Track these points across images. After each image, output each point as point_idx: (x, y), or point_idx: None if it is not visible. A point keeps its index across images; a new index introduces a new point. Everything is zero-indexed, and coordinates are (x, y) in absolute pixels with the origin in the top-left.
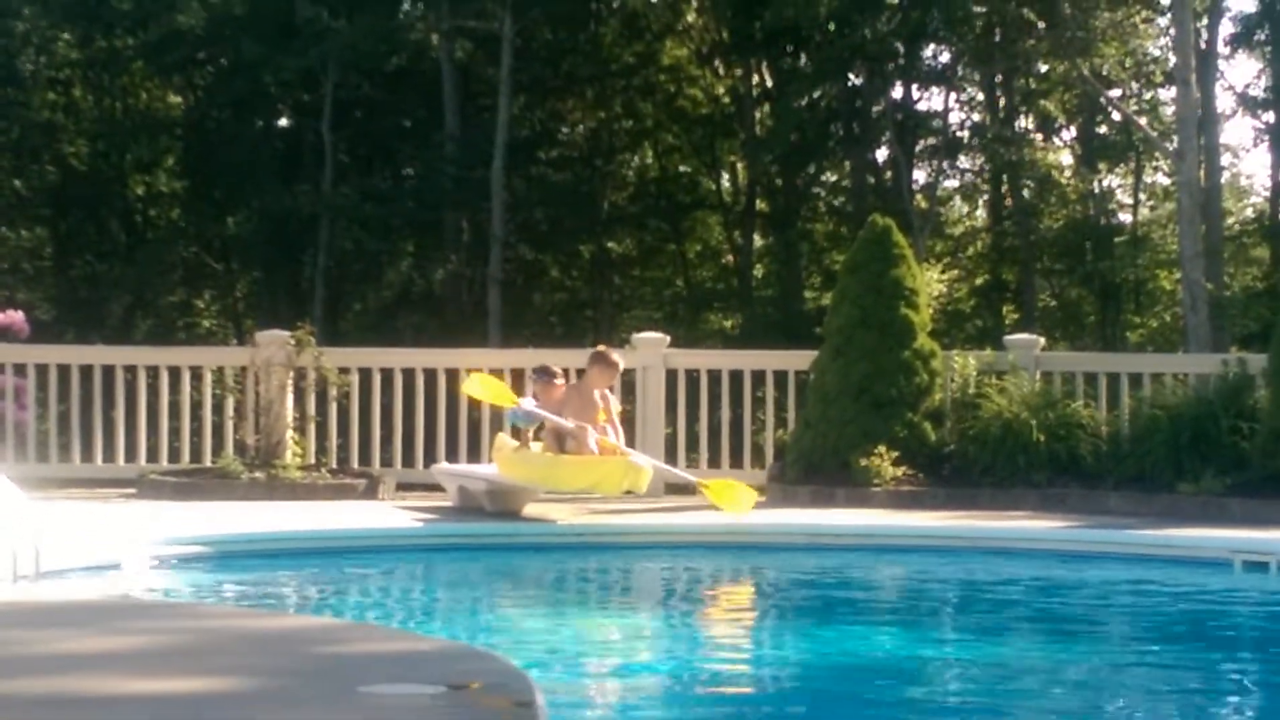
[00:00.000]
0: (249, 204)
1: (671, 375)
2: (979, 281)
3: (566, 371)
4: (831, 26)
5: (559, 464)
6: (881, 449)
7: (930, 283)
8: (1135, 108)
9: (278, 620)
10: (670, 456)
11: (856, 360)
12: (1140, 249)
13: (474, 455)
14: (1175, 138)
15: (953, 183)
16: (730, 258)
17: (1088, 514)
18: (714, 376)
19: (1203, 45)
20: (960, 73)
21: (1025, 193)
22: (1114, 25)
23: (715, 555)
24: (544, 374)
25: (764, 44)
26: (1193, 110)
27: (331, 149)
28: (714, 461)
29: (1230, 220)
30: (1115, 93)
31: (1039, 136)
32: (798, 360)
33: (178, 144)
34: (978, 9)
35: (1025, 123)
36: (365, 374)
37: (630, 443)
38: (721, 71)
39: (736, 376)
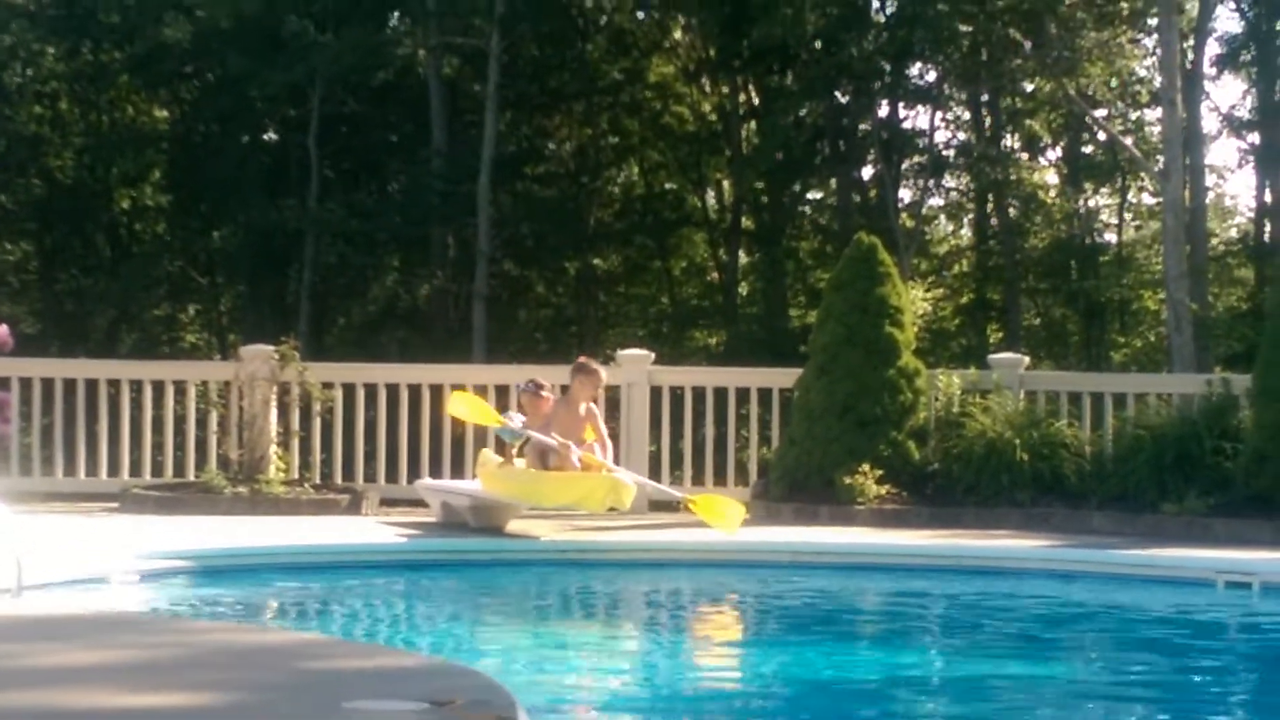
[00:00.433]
0: (234, 218)
1: (656, 392)
2: (964, 300)
3: (552, 387)
4: (818, 45)
5: (543, 480)
6: (865, 467)
7: (915, 301)
8: (1121, 128)
9: (261, 635)
10: (655, 474)
11: (841, 378)
12: (1125, 269)
13: (458, 471)
14: (1160, 158)
15: (938, 201)
16: (715, 275)
17: (1071, 533)
18: (698, 394)
19: (1189, 66)
20: (946, 91)
21: (1010, 212)
22: (1100, 45)
23: (698, 572)
24: (532, 387)
25: (750, 62)
26: (1178, 131)
27: (317, 164)
28: (698, 479)
29: (1215, 241)
30: (1101, 112)
31: (1024, 156)
32: (782, 378)
33: (163, 158)
34: (964, 28)
35: (1011, 142)
36: (349, 389)
37: (615, 459)
38: (708, 89)
39: (721, 394)
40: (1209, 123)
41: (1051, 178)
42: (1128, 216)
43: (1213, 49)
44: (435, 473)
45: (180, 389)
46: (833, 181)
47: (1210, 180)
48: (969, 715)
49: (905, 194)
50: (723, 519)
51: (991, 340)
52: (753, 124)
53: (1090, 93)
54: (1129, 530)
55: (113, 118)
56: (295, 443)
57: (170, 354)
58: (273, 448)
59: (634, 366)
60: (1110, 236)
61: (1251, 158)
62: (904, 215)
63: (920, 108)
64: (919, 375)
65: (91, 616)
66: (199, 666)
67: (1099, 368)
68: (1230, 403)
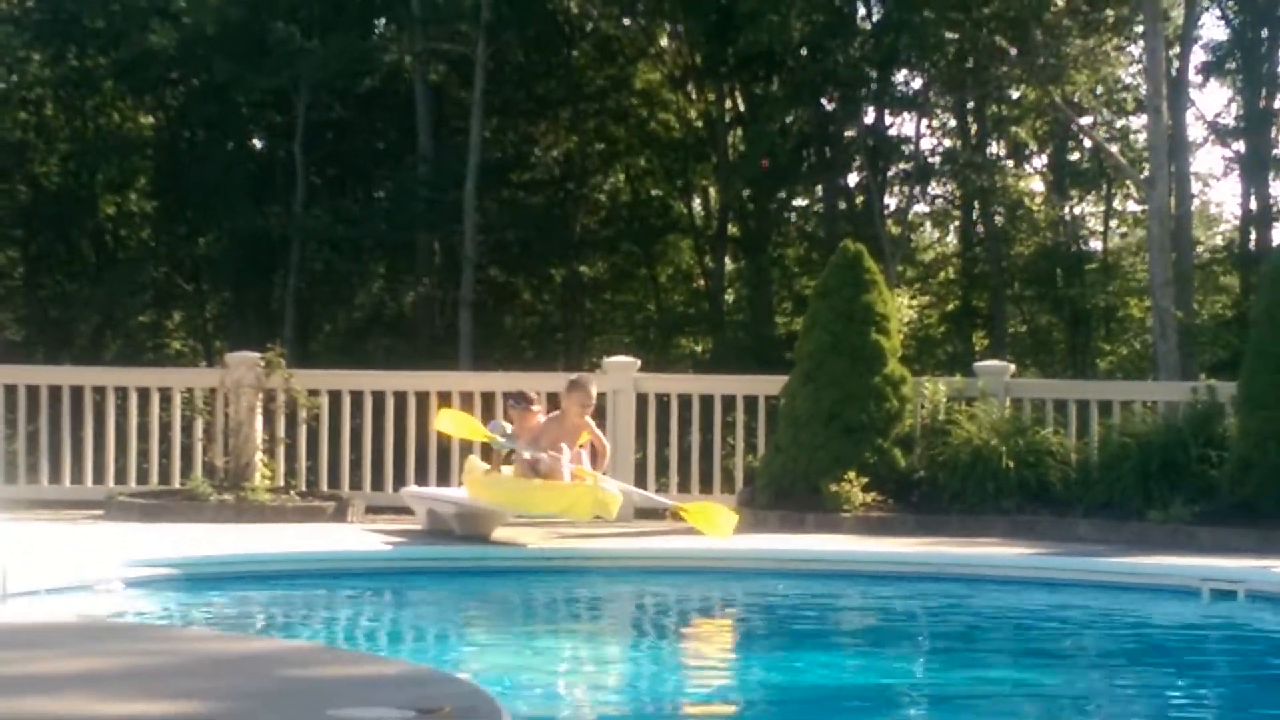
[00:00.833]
0: (220, 224)
1: (642, 399)
2: (949, 307)
3: (537, 395)
4: (804, 51)
5: (529, 488)
6: (851, 475)
7: (901, 308)
8: (1106, 135)
9: (246, 643)
10: (641, 481)
11: (827, 385)
12: (1110, 276)
13: (444, 478)
14: (1146, 165)
15: (924, 208)
16: (702, 282)
17: (1057, 541)
18: (684, 401)
19: (1174, 73)
20: (932, 98)
21: (996, 219)
22: (1086, 53)
23: (683, 580)
24: (521, 401)
25: (737, 68)
26: (1163, 138)
27: (303, 170)
28: (684, 486)
29: (1200, 248)
30: (1086, 120)
31: (1010, 163)
32: (768, 385)
33: (149, 164)
34: (949, 35)
35: (997, 149)
36: (335, 396)
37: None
38: (694, 95)
39: (707, 401)
40: (1194, 130)
41: (1037, 185)
42: (1113, 224)
43: (1198, 56)
44: (421, 480)
45: (165, 396)
46: (819, 188)
47: (1195, 188)
48: None
49: (891, 201)
50: (715, 525)
51: (977, 347)
52: (739, 131)
53: (1076, 100)
54: (1114, 538)
55: (98, 124)
56: (281, 450)
57: (155, 360)
58: (258, 455)
59: (620, 374)
60: (1096, 244)
61: (1236, 165)
62: (890, 222)
63: (906, 115)
64: (905, 383)
65: (76, 624)
66: (184, 674)
67: (1084, 375)
68: (1215, 410)
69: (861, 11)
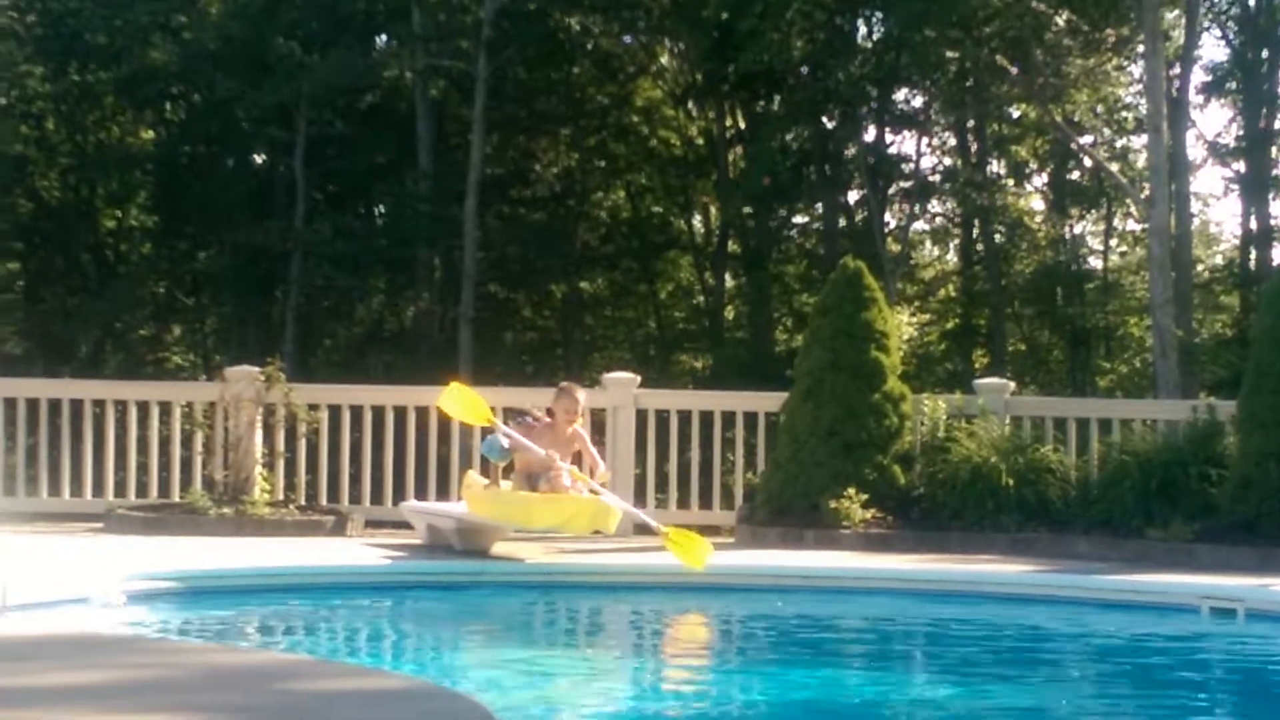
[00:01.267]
0: (220, 239)
1: (642, 415)
2: (949, 325)
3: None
4: (805, 70)
5: (528, 502)
6: (851, 491)
7: (901, 326)
8: (1107, 154)
9: (245, 656)
10: (639, 497)
11: (827, 402)
12: (1110, 295)
13: (443, 493)
14: (1146, 185)
15: (924, 226)
16: (702, 298)
17: (1057, 559)
18: (684, 417)
19: (1174, 93)
20: (932, 117)
21: (996, 237)
22: (1086, 72)
23: (682, 596)
24: (524, 418)
25: (737, 86)
26: (1164, 158)
27: (304, 185)
28: (683, 502)
29: (1200, 267)
30: (1087, 139)
31: (1010, 181)
32: (768, 402)
33: (150, 179)
34: (950, 54)
35: (997, 168)
36: (335, 410)
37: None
38: (695, 113)
39: (707, 417)
40: (1194, 150)
41: (1037, 203)
42: (1113, 243)
43: (1198, 76)
44: (420, 495)
45: (165, 409)
46: (819, 205)
47: (1195, 207)
48: None
49: (891, 218)
50: (691, 554)
51: (977, 365)
52: (739, 148)
53: (1076, 119)
54: (1114, 556)
55: (99, 138)
56: (280, 464)
57: (155, 374)
58: (258, 469)
59: (620, 390)
60: (1096, 262)
61: (1237, 185)
62: (890, 239)
63: (906, 133)
64: (904, 400)
65: (75, 637)
66: (183, 688)
67: (1084, 393)
68: (1215, 429)
69: (862, 30)
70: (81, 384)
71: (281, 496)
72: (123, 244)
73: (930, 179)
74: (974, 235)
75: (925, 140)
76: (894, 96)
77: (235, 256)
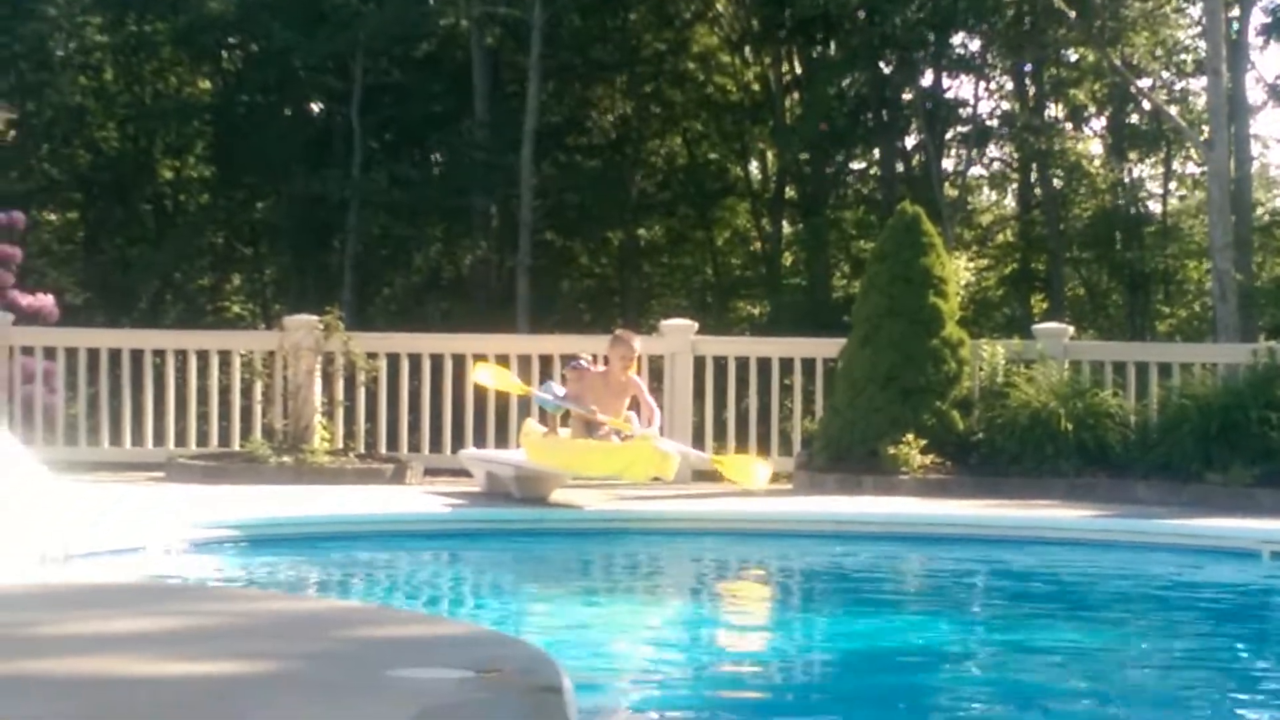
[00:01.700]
0: (278, 189)
1: (700, 362)
2: (1008, 270)
3: (595, 358)
4: (861, 14)
5: (586, 450)
6: (909, 437)
7: (959, 271)
8: (1165, 97)
9: (305, 604)
10: (698, 444)
11: (885, 348)
12: (1169, 239)
13: (501, 441)
14: (1205, 128)
15: (981, 171)
16: (759, 245)
17: (1116, 503)
18: (742, 364)
19: (1234, 35)
20: (990, 61)
21: (1055, 182)
22: (1145, 14)
23: (742, 542)
24: (580, 364)
25: (794, 32)
26: (1223, 100)
27: (360, 135)
28: (741, 449)
29: (1260, 211)
30: (1145, 82)
31: (1069, 125)
32: (826, 348)
33: (207, 129)
34: None
35: (1055, 111)
36: (393, 359)
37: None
38: (751, 59)
39: (764, 364)
40: (1254, 93)
41: (1095, 147)
42: (1172, 186)
43: (1258, 18)
44: (479, 443)
45: (225, 359)
46: (876, 151)
47: (1256, 150)
48: (1013, 686)
49: (948, 164)
50: (747, 475)
51: (1035, 310)
52: (796, 94)
53: (1134, 62)
54: (1173, 500)
55: (156, 89)
56: (340, 412)
57: (215, 324)
58: (317, 417)
59: (677, 337)
60: (1155, 206)
61: None
62: (947, 185)
63: (964, 77)
64: (963, 345)
65: (136, 585)
66: (243, 635)
67: (1143, 338)
68: (1276, 372)
69: None
70: (142, 333)
71: (341, 445)
72: (181, 194)
73: (988, 124)
74: (1032, 180)
75: (983, 84)
76: (951, 41)
77: (293, 206)
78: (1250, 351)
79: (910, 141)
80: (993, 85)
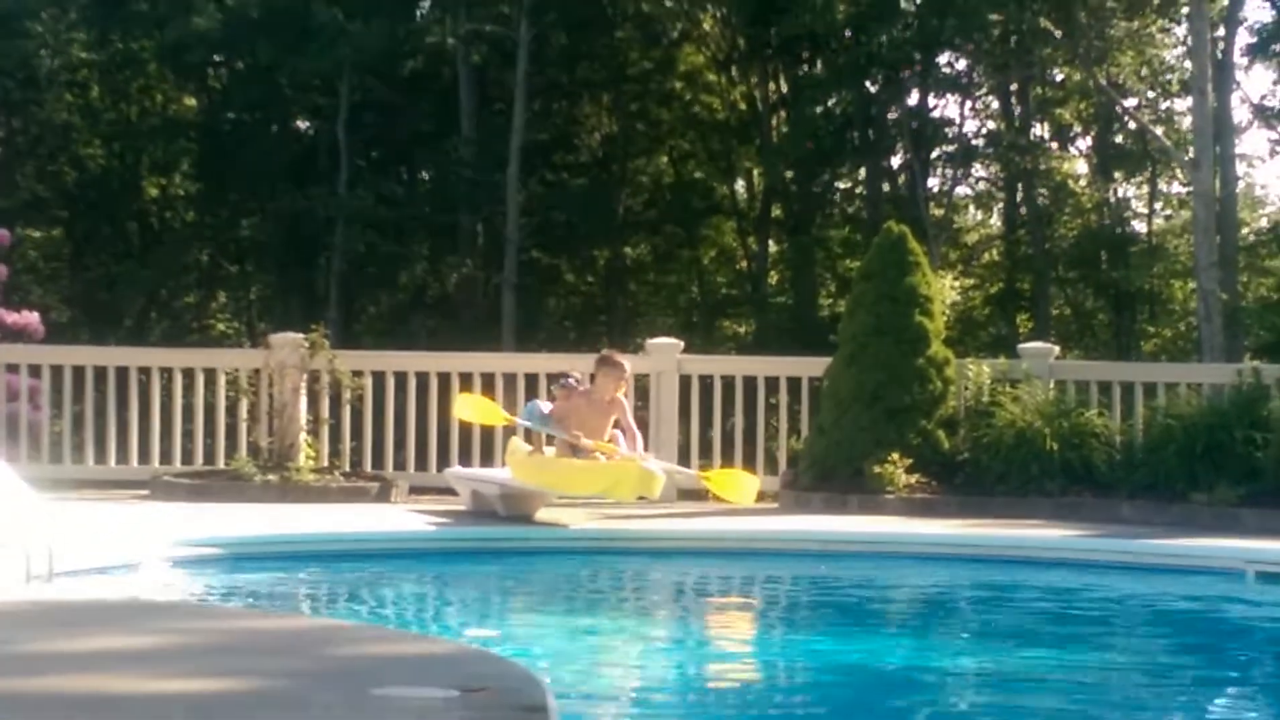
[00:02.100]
0: (263, 206)
1: (685, 381)
2: (993, 290)
3: (581, 377)
4: (848, 33)
5: (572, 468)
6: (895, 456)
7: (944, 290)
8: (1151, 117)
9: (291, 622)
10: (684, 463)
11: (870, 367)
12: (1155, 258)
13: (487, 459)
14: (1191, 147)
15: (967, 190)
16: (745, 264)
17: (1101, 523)
18: (728, 383)
19: (1219, 55)
20: (976, 80)
21: (1040, 201)
22: (1130, 34)
23: (727, 561)
24: (571, 382)
25: (780, 51)
26: (1209, 120)
27: (347, 152)
28: (727, 468)
29: (1245, 230)
30: (1131, 102)
31: (1054, 145)
32: (811, 367)
33: (193, 146)
34: (994, 16)
35: (1040, 131)
36: (379, 377)
37: (644, 448)
38: (738, 78)
39: (750, 383)
40: (1239, 112)
41: (1081, 167)
42: (1158, 206)
43: (1243, 38)
44: (465, 461)
45: (210, 376)
46: (862, 170)
47: (1241, 169)
48: (996, 704)
49: (934, 183)
50: (737, 490)
51: (1021, 330)
52: (782, 113)
53: (1120, 82)
54: (1159, 520)
55: (142, 106)
56: (325, 430)
57: (200, 341)
58: (302, 435)
59: (663, 355)
60: (1140, 226)
61: None
62: (933, 204)
63: (950, 96)
64: (948, 364)
65: (122, 603)
66: (227, 653)
67: (1129, 357)
68: (1261, 393)
69: None
70: (127, 351)
71: (326, 463)
72: (167, 211)
73: (973, 143)
74: (1017, 199)
75: (968, 104)
76: (937, 60)
77: (278, 223)
78: (1235, 371)
79: (896, 161)
80: (979, 104)
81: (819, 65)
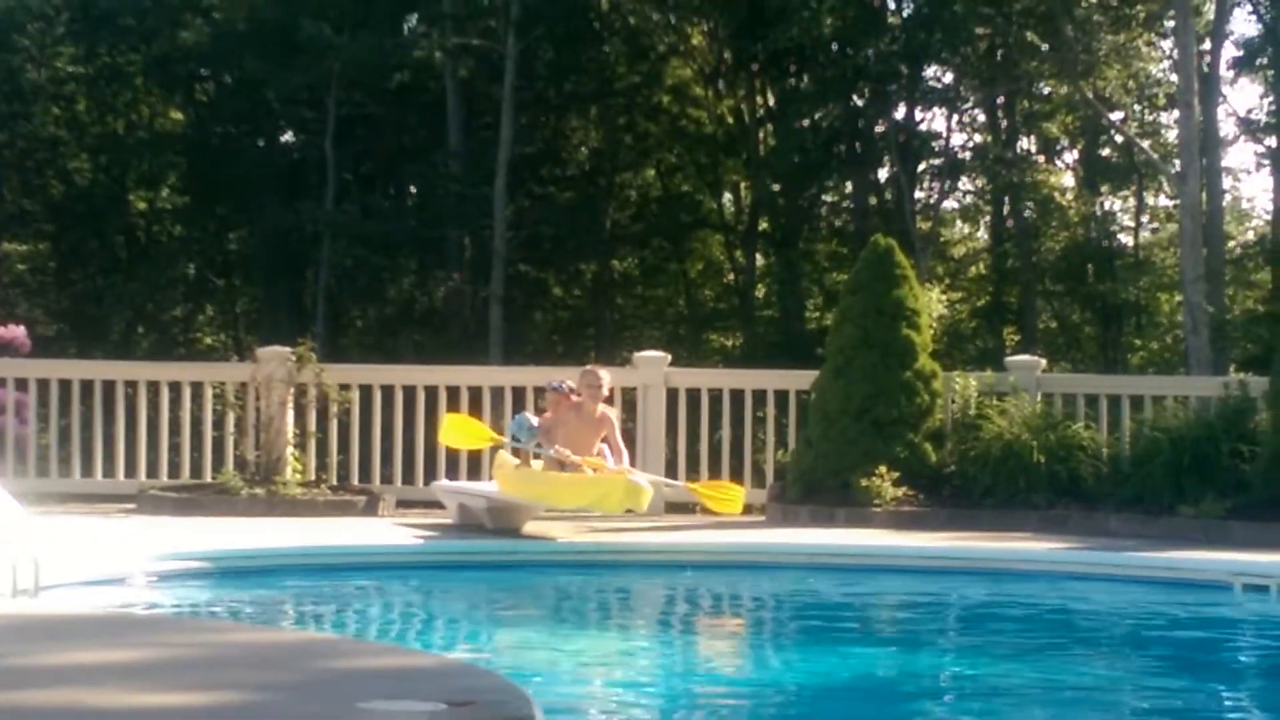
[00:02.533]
0: (251, 220)
1: (672, 394)
2: (980, 303)
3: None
4: (835, 47)
5: (559, 482)
6: (882, 469)
7: (932, 303)
8: (1137, 130)
9: (277, 635)
10: (670, 476)
11: (858, 380)
12: (1141, 271)
13: (474, 473)
14: (1177, 161)
15: (954, 204)
16: (732, 277)
17: (1088, 536)
18: (715, 396)
19: (1205, 69)
20: (963, 94)
21: (1027, 214)
22: (1117, 48)
23: (714, 574)
24: (565, 387)
25: (767, 65)
26: (1195, 133)
27: (334, 166)
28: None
29: (1232, 243)
30: (1117, 115)
31: (1041, 158)
32: (799, 380)
33: (180, 160)
34: (980, 30)
35: (1027, 144)
36: (366, 390)
37: (630, 461)
38: (725, 92)
39: (737, 396)
40: (1226, 126)
41: (1068, 180)
42: (1144, 219)
43: (1229, 52)
44: (452, 474)
45: (197, 390)
46: (849, 184)
47: (1227, 183)
48: (984, 718)
49: (921, 196)
50: (724, 501)
51: (1008, 342)
52: (770, 126)
53: (1107, 95)
54: (1146, 533)
55: (129, 120)
56: (312, 444)
57: (187, 355)
58: (289, 449)
59: (650, 368)
60: (1126, 239)
61: (1268, 161)
62: (920, 217)
63: (937, 110)
64: (936, 377)
65: (108, 617)
66: (215, 666)
67: (1115, 370)
68: (1248, 405)
69: (892, 6)
70: (114, 365)
71: (313, 477)
72: (154, 225)
73: (960, 156)
74: (1004, 212)
75: (955, 117)
76: (924, 73)
77: (266, 237)
78: (1222, 384)
79: (883, 174)
80: (965, 118)
81: (806, 79)
